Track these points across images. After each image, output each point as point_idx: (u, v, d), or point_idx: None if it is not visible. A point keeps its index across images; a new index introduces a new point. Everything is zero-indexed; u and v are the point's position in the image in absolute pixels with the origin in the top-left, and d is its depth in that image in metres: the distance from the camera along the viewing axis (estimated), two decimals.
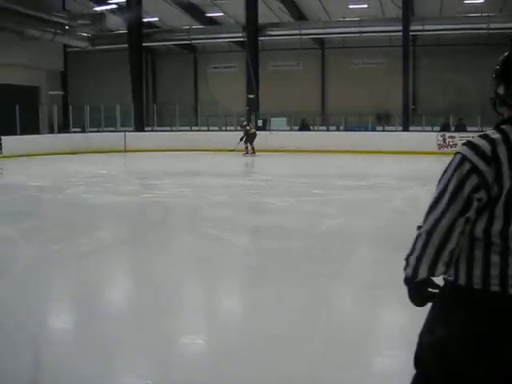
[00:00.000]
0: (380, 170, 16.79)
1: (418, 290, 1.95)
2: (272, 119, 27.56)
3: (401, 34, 25.61)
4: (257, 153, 22.17)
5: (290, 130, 27.57)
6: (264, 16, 27.43)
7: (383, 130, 27.55)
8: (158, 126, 28.43)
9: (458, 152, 1.84)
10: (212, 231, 8.56)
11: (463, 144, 1.86)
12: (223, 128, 28.98)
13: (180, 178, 15.27)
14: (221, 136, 25.77)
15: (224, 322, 4.93)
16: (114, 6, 30.78)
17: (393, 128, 27.24)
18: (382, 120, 29.20)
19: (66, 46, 30.50)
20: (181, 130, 27.25)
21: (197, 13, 32.60)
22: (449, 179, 1.83)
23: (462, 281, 1.88)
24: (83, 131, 27.12)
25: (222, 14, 32.68)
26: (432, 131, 24.44)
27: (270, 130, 25.77)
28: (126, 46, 27.96)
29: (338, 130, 28.13)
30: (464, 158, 1.81)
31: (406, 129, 25.16)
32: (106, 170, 17.58)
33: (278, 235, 8.28)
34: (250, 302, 5.59)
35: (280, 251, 7.25)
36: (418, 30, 27.12)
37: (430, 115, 26.73)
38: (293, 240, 7.86)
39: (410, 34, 26.18)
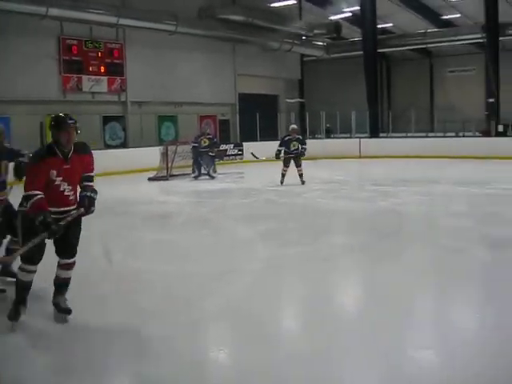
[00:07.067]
0: None
1: None
2: None
3: None
4: (496, 160, 20.85)
5: None
6: (505, 14, 25.73)
7: None
8: (392, 132, 28.09)
9: None
10: (449, 242, 8.16)
11: None
12: (460, 134, 27.80)
13: (416, 185, 14.87)
14: (458, 142, 24.69)
15: (452, 335, 4.66)
16: (349, 15, 31.20)
17: None
18: None
19: (302, 56, 31.53)
20: (416, 136, 26.70)
21: (432, 16, 31.84)
22: None
23: None
24: (315, 137, 27.86)
25: (458, 15, 31.46)
26: None
27: (510, 136, 24.29)
28: (360, 53, 28.11)
29: None
30: None
31: None
32: (341, 175, 17.74)
33: None
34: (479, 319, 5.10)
35: None
36: None
37: None
38: None
39: None
